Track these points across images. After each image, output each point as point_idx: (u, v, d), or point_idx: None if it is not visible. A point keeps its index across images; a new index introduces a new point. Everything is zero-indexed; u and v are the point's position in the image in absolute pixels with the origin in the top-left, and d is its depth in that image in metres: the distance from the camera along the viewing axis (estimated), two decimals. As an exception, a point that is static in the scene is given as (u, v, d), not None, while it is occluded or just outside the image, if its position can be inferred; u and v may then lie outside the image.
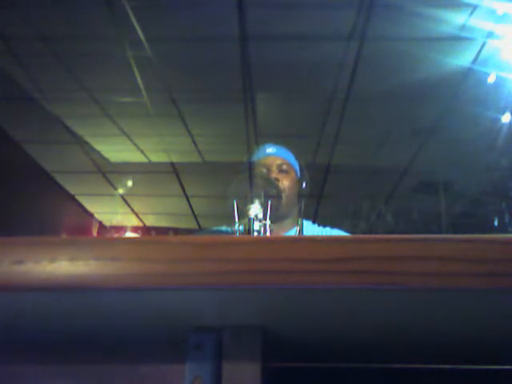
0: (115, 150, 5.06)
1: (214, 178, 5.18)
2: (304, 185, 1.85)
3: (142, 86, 3.94)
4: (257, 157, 1.95)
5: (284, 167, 1.85)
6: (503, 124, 4.06)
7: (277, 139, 4.84)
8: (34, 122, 4.52)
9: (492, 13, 3.13)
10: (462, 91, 3.83)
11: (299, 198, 1.85)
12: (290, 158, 1.92)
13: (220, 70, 3.78)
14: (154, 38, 3.47)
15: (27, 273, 0.52)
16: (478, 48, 3.43)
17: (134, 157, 5.13)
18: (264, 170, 1.84)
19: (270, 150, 1.93)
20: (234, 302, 0.57)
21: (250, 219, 1.42)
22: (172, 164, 5.22)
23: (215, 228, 1.94)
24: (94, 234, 6.31)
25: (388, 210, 5.67)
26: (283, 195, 1.75)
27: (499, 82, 3.68)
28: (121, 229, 6.66)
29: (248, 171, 1.86)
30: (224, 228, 1.82)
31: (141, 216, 6.63)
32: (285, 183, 1.82)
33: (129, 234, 6.62)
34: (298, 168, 1.92)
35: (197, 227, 6.69)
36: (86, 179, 5.62)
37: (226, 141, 4.77)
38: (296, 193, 1.85)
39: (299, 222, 1.71)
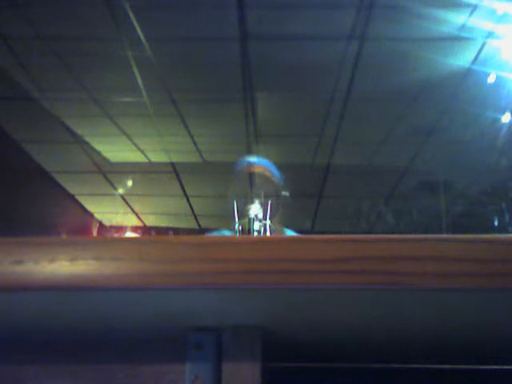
0: (115, 150, 5.06)
1: (214, 177, 5.18)
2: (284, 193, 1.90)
3: (142, 86, 3.94)
4: (240, 166, 1.99)
5: (267, 174, 1.90)
6: (503, 124, 4.07)
7: (277, 139, 4.83)
8: (33, 122, 4.52)
9: (492, 13, 3.13)
10: (461, 91, 3.83)
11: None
12: (272, 167, 1.96)
13: (220, 69, 3.79)
14: (154, 38, 3.47)
15: (27, 273, 0.52)
16: (478, 48, 3.43)
17: (134, 157, 5.13)
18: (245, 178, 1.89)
19: (252, 159, 1.99)
20: (234, 301, 0.57)
21: (250, 219, 1.43)
22: (172, 164, 5.22)
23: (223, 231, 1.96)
24: (94, 234, 6.31)
25: (387, 210, 5.68)
26: None
27: (499, 82, 3.68)
28: (121, 229, 6.66)
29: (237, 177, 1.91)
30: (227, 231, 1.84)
31: (141, 216, 6.63)
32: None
33: (129, 234, 6.62)
34: (279, 177, 1.96)
35: (197, 227, 6.69)
36: (86, 179, 5.62)
37: (226, 141, 4.78)
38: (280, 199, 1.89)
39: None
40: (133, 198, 6.11)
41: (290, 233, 1.86)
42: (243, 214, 1.46)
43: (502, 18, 3.17)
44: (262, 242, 0.54)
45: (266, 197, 1.57)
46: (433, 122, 4.29)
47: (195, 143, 4.85)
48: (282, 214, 1.78)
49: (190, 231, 6.68)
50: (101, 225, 6.53)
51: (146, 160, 5.22)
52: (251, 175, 1.89)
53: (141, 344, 0.64)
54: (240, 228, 1.45)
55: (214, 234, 2.18)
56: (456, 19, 3.19)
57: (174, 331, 0.62)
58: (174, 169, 5.31)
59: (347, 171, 5.12)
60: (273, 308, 0.59)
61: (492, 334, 0.65)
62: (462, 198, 5.30)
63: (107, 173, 5.46)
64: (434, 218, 5.61)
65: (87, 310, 0.60)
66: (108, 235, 6.32)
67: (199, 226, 6.70)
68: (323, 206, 5.87)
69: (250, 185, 1.76)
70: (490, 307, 0.58)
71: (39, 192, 5.20)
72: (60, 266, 0.52)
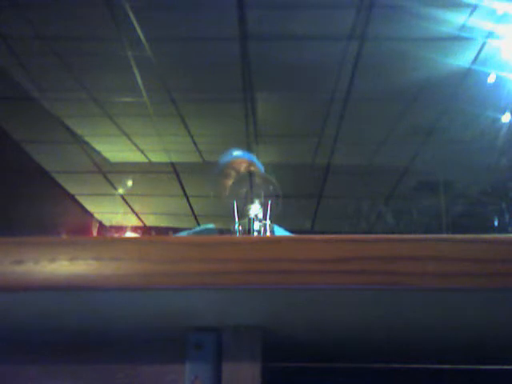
0: (115, 150, 5.06)
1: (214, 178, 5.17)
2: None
3: (142, 86, 3.94)
4: (225, 160, 1.98)
5: (252, 168, 1.89)
6: (503, 124, 4.06)
7: (277, 139, 4.82)
8: (34, 122, 4.52)
9: (492, 13, 3.13)
10: (461, 91, 3.83)
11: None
12: (256, 160, 1.96)
13: (220, 69, 3.78)
14: (154, 38, 3.47)
15: (27, 273, 0.52)
16: (478, 48, 3.43)
17: (134, 157, 5.13)
18: (233, 172, 1.88)
19: (237, 153, 1.99)
20: (234, 302, 0.57)
21: (250, 219, 1.43)
22: (172, 164, 5.22)
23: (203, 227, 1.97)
24: (94, 234, 6.31)
25: (387, 210, 5.68)
26: None
27: (499, 82, 3.68)
28: (121, 229, 6.65)
29: (218, 173, 1.91)
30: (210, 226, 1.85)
31: (141, 216, 6.63)
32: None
33: (129, 234, 6.62)
34: (263, 171, 1.96)
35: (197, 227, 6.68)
36: (86, 179, 5.62)
37: (225, 141, 4.77)
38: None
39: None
40: (133, 198, 6.10)
41: (279, 231, 1.85)
42: (243, 213, 1.46)
43: (501, 18, 3.17)
44: (262, 242, 0.54)
45: (255, 191, 1.57)
46: (433, 122, 4.29)
47: (195, 143, 4.85)
48: (278, 213, 1.78)
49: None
50: (101, 225, 6.53)
51: (146, 160, 5.22)
52: (237, 170, 1.89)
53: (141, 344, 0.64)
54: (240, 228, 1.45)
55: (197, 229, 2.19)
56: (456, 19, 3.18)
57: (174, 331, 0.62)
58: (174, 169, 5.31)
59: (347, 171, 5.12)
60: (273, 308, 0.59)
61: (492, 334, 0.65)
62: (462, 198, 5.30)
63: (107, 173, 5.46)
64: (433, 217, 5.61)
65: (87, 310, 0.60)
66: (108, 235, 6.32)
67: (199, 226, 6.69)
68: (323, 206, 5.87)
69: (239, 180, 1.76)
70: (490, 307, 0.58)
71: (39, 192, 5.20)
72: (60, 265, 0.52)
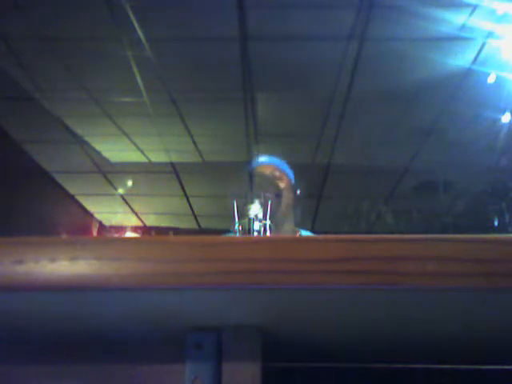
0: (115, 150, 5.06)
1: (214, 178, 5.18)
2: (298, 192, 1.91)
3: (142, 86, 3.94)
4: (251, 167, 1.99)
5: (277, 173, 1.90)
6: (503, 124, 4.06)
7: (277, 139, 4.83)
8: (34, 122, 4.52)
9: (492, 13, 3.13)
10: (461, 91, 3.83)
11: (294, 207, 1.89)
12: (283, 165, 1.97)
13: (220, 69, 3.78)
14: (154, 38, 3.47)
15: (27, 273, 0.52)
16: (478, 48, 3.43)
17: (134, 157, 5.13)
18: (258, 178, 1.89)
19: (263, 159, 2.00)
20: (234, 302, 0.57)
21: (250, 219, 1.43)
22: (172, 164, 5.22)
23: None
24: (94, 234, 6.31)
25: (388, 210, 5.68)
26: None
27: (499, 82, 3.68)
28: (121, 229, 6.66)
29: (246, 177, 1.92)
30: None
31: (141, 216, 6.63)
32: (280, 185, 1.87)
33: (129, 234, 6.62)
34: (291, 175, 1.96)
35: (197, 227, 6.69)
36: (86, 179, 5.62)
37: (225, 141, 4.77)
38: (292, 198, 1.89)
39: (298, 231, 1.75)
40: (133, 198, 6.11)
41: (306, 234, 1.87)
42: (243, 213, 1.46)
43: (501, 18, 3.17)
44: (262, 241, 0.54)
45: (275, 196, 1.58)
46: (433, 123, 4.29)
47: (195, 143, 4.85)
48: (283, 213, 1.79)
49: (189, 231, 6.69)
50: (101, 225, 6.53)
51: (146, 160, 5.22)
52: (261, 176, 1.89)
53: (141, 344, 0.64)
54: (240, 228, 1.45)
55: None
56: (456, 19, 3.18)
57: (174, 331, 0.62)
58: (174, 169, 5.31)
59: (347, 171, 5.12)
60: (273, 308, 0.59)
61: (492, 334, 0.65)
62: (462, 198, 5.30)
63: (107, 173, 5.46)
64: (433, 217, 5.61)
65: (87, 309, 0.60)
66: (108, 235, 6.32)
67: (199, 225, 6.70)
68: (323, 206, 5.87)
69: (259, 185, 1.77)
70: (490, 307, 0.58)
71: (39, 192, 5.20)
72: (60, 265, 0.52)
